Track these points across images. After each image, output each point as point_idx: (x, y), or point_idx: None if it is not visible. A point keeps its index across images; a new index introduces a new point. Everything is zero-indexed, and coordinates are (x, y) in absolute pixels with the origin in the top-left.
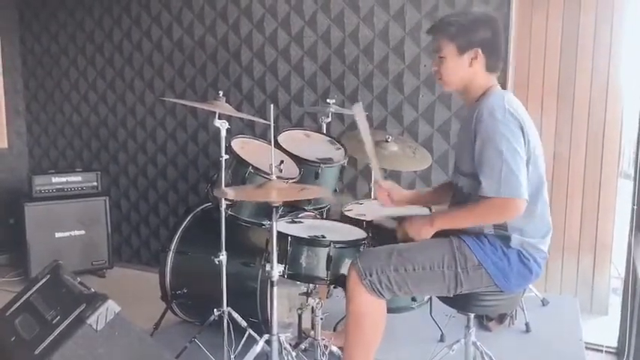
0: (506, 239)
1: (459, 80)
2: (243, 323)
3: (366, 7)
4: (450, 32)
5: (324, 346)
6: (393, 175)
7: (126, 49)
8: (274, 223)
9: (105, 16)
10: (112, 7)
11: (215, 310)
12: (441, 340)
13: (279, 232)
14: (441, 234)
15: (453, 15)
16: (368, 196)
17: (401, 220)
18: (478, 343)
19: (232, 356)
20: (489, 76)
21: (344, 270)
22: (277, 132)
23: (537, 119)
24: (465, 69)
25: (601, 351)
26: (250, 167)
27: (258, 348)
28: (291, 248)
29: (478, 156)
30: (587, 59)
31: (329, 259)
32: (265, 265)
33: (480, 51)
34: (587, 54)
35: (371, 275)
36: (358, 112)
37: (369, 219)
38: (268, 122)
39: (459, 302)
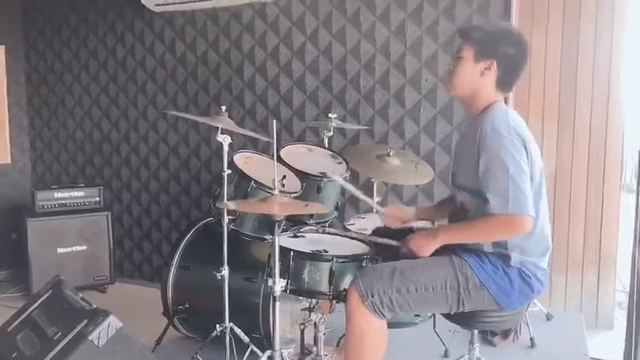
0: (506, 258)
1: (466, 86)
2: (246, 339)
3: (367, 23)
4: (475, 36)
5: None
6: (395, 190)
7: (129, 66)
8: (276, 238)
9: (108, 33)
10: (115, 24)
11: (217, 325)
12: (445, 355)
13: (281, 247)
14: (442, 252)
15: (485, 23)
16: (370, 210)
17: (403, 237)
18: (482, 359)
19: None
20: (498, 92)
21: (346, 285)
22: (279, 146)
23: (538, 133)
24: (475, 77)
25: None
26: (253, 182)
27: None
28: (294, 263)
29: (484, 173)
30: (587, 73)
31: (331, 273)
32: (267, 280)
33: (494, 63)
34: (587, 67)
35: (372, 296)
36: (338, 178)
37: (370, 235)
38: (270, 140)
39: (463, 318)
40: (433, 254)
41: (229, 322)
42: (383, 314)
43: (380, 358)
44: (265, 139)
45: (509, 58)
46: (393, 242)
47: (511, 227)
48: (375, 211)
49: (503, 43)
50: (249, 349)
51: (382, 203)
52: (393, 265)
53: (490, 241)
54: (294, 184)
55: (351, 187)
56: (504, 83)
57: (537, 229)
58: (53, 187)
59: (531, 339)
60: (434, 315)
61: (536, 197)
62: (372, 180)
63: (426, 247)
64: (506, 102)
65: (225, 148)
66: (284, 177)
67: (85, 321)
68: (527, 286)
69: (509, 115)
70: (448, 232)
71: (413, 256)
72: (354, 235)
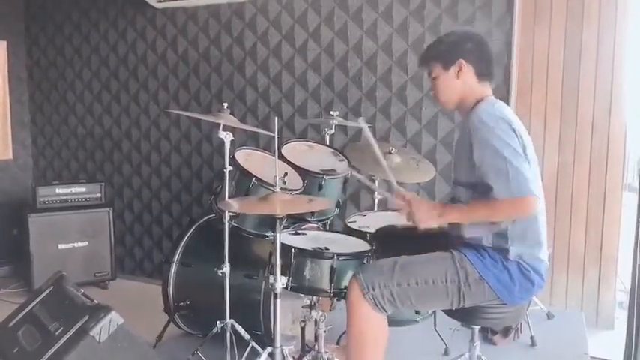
0: (504, 251)
1: (453, 95)
2: (246, 336)
3: (370, 20)
4: (434, 53)
5: (327, 359)
6: None
7: (131, 62)
8: (278, 235)
9: (110, 29)
10: (117, 20)
11: (218, 322)
12: (446, 353)
13: (282, 244)
14: (441, 248)
15: (435, 40)
16: (372, 207)
17: (409, 237)
18: (483, 357)
19: None
20: (482, 85)
21: (348, 282)
22: (281, 144)
23: (541, 132)
24: (453, 82)
25: None
26: (254, 179)
27: None
28: (295, 260)
29: (480, 164)
30: (590, 72)
31: (332, 271)
32: (268, 277)
33: (463, 62)
34: (589, 66)
35: (374, 289)
36: (364, 126)
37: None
38: (272, 134)
39: (464, 315)
40: (433, 249)
41: (230, 318)
42: (384, 308)
43: (381, 352)
44: (267, 133)
45: (472, 51)
46: (387, 194)
47: (518, 209)
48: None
49: (458, 44)
50: (249, 346)
51: (383, 202)
52: (393, 260)
53: (496, 219)
54: (295, 181)
55: (374, 142)
56: (483, 73)
57: (534, 219)
58: (54, 183)
59: (532, 337)
60: (434, 313)
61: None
62: (374, 178)
63: (428, 217)
64: (508, 101)
65: (227, 145)
66: (285, 174)
67: (87, 316)
68: (527, 280)
69: (494, 107)
70: (454, 211)
71: (410, 219)
72: (362, 179)
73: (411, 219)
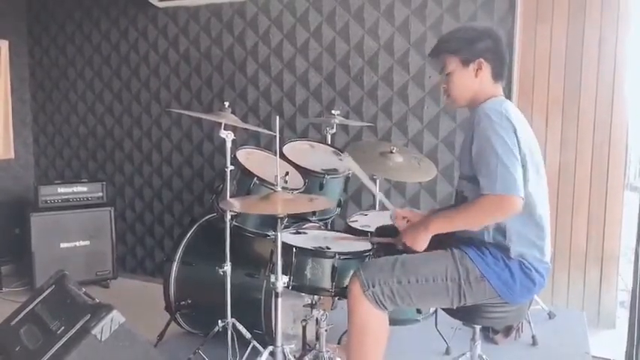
0: (506, 250)
1: (467, 92)
2: (248, 335)
3: (371, 20)
4: (452, 47)
5: (329, 358)
6: (398, 187)
7: (132, 61)
8: (279, 234)
9: (112, 28)
10: (119, 19)
11: (219, 321)
12: (447, 352)
13: (283, 243)
14: (442, 245)
15: (452, 32)
16: (372, 207)
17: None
18: (484, 356)
19: None
20: (495, 85)
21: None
22: (282, 143)
23: (542, 131)
24: (471, 80)
25: None
26: (255, 178)
27: None
28: (296, 259)
29: (475, 156)
30: (592, 71)
31: (334, 270)
32: (270, 277)
33: (483, 61)
34: (592, 66)
35: (374, 286)
36: (348, 161)
37: (367, 237)
38: (273, 133)
39: (465, 314)
40: (434, 247)
41: (231, 318)
42: (384, 305)
43: (382, 350)
44: (268, 132)
45: (492, 50)
46: (389, 240)
47: (499, 207)
48: (379, 199)
49: (479, 41)
50: (250, 345)
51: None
52: (394, 258)
53: (481, 224)
54: (296, 180)
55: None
56: (498, 73)
57: (539, 221)
58: (56, 182)
59: (533, 337)
60: (436, 312)
61: (542, 191)
62: (375, 177)
63: (419, 239)
64: (509, 99)
65: (228, 144)
66: (287, 173)
67: (88, 315)
68: (528, 279)
69: (502, 105)
70: (438, 220)
71: (410, 251)
72: (352, 237)
73: (408, 249)
